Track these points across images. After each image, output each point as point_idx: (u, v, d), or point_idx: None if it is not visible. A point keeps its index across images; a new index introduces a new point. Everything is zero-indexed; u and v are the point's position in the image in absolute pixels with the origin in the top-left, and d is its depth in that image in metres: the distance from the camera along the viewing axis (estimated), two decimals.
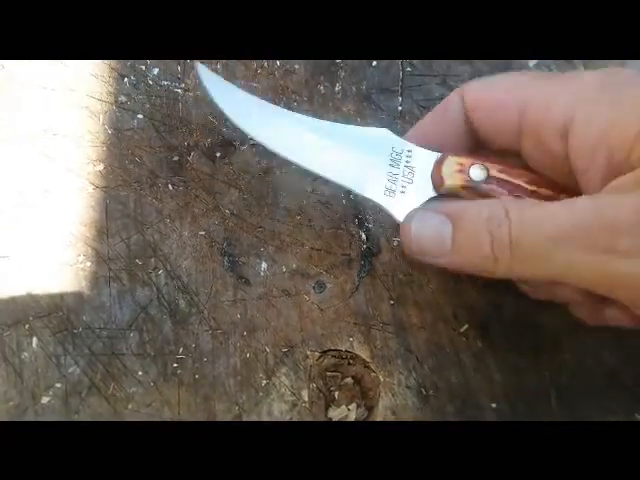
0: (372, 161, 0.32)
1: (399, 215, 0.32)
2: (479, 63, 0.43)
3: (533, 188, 0.29)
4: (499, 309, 0.37)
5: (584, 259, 0.25)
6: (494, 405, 0.36)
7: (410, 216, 0.31)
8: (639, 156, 0.25)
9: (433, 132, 0.33)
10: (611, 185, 0.26)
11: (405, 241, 0.31)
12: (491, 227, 0.27)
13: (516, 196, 0.30)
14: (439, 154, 0.32)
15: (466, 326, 0.37)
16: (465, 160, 0.31)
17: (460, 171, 0.30)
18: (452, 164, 0.31)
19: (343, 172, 0.32)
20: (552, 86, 0.29)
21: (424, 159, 0.32)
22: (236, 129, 0.34)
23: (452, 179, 0.30)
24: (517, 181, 0.30)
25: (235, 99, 0.34)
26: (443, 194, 0.32)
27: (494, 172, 0.30)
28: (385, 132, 0.33)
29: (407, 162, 0.32)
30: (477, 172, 0.30)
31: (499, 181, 0.30)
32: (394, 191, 0.32)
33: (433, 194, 0.32)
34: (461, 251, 0.29)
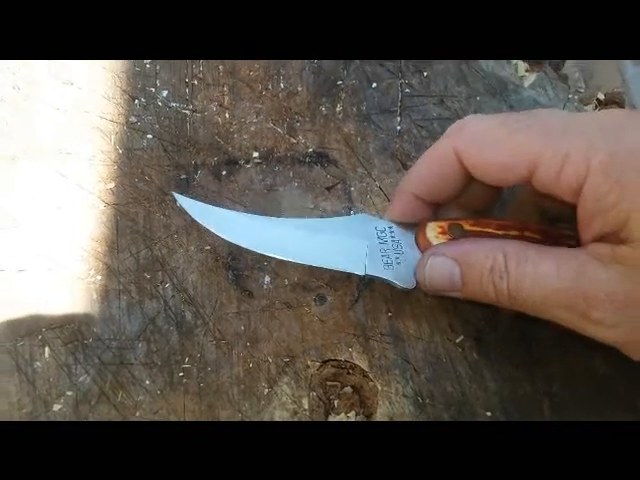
0: (365, 244, 0.36)
1: (403, 283, 0.36)
2: (475, 84, 0.45)
3: (502, 232, 0.34)
4: (494, 321, 0.39)
5: (565, 316, 0.30)
6: (489, 414, 0.37)
7: (422, 264, 0.34)
8: (626, 235, 0.28)
9: (430, 186, 0.35)
10: (595, 246, 0.29)
11: (420, 284, 0.35)
12: (494, 278, 0.31)
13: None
14: (414, 225, 0.36)
15: (462, 337, 0.38)
16: (443, 223, 0.35)
17: (442, 232, 0.35)
18: (434, 228, 0.35)
19: (344, 261, 0.36)
20: (561, 144, 0.29)
21: (403, 231, 0.37)
22: (241, 149, 0.35)
23: (437, 239, 0.35)
24: (487, 229, 0.34)
25: (222, 218, 0.37)
26: None
27: (467, 226, 0.35)
28: (364, 217, 0.38)
29: (392, 237, 0.36)
30: (455, 230, 0.35)
31: (474, 232, 0.34)
32: (391, 264, 0.36)
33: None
34: (469, 290, 0.33)
